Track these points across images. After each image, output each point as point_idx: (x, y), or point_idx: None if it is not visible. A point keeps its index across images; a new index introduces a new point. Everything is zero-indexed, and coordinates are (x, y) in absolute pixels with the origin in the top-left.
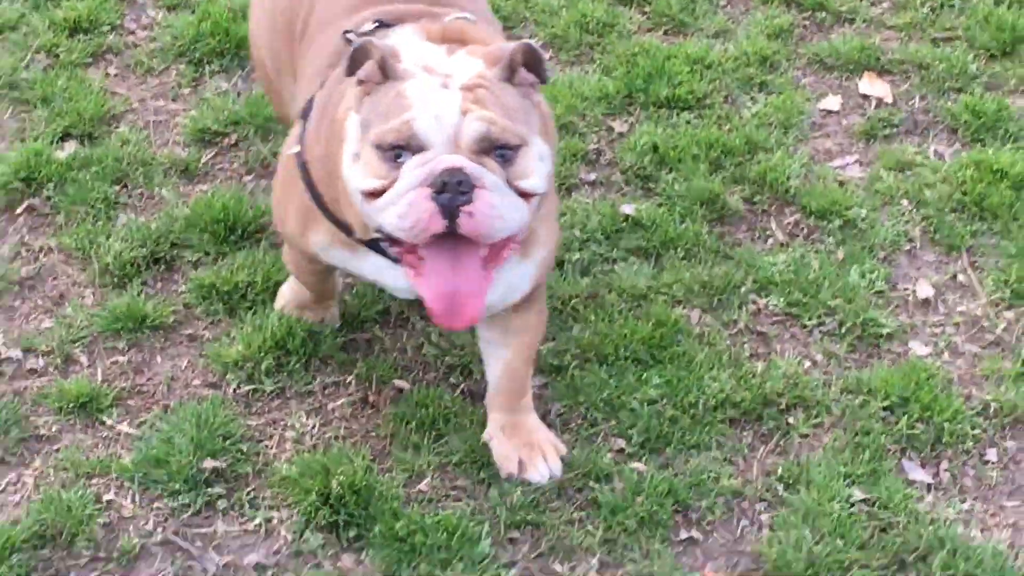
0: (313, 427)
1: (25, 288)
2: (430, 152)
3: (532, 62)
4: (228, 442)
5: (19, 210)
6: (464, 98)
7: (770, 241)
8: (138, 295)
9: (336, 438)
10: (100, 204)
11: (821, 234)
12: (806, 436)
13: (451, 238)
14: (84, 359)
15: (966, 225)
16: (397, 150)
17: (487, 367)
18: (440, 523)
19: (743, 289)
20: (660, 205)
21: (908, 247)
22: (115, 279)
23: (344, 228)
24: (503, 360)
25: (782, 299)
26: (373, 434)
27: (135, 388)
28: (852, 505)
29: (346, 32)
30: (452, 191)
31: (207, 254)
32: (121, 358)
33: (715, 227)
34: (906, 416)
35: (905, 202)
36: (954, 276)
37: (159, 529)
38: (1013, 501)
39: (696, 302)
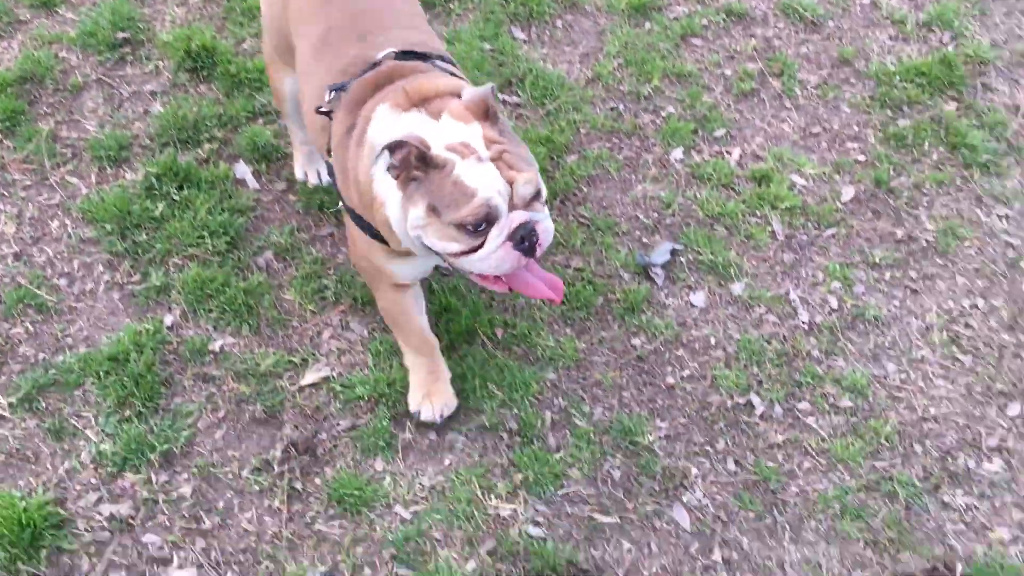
0: (181, 13)
1: None
2: (503, 219)
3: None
4: (130, 22)
5: None
6: (499, 168)
7: None
8: None
9: (193, 20)
10: None
11: None
12: (459, 14)
13: None
14: None
15: None
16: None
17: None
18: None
19: None
20: None
21: None
22: None
23: (384, 242)
24: None
25: None
26: (219, 17)
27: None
28: (484, 52)
29: (317, 109)
30: (527, 238)
31: None
32: None
33: None
34: (512, 3)
35: None
36: None
37: (93, 73)
38: (569, 48)
39: None
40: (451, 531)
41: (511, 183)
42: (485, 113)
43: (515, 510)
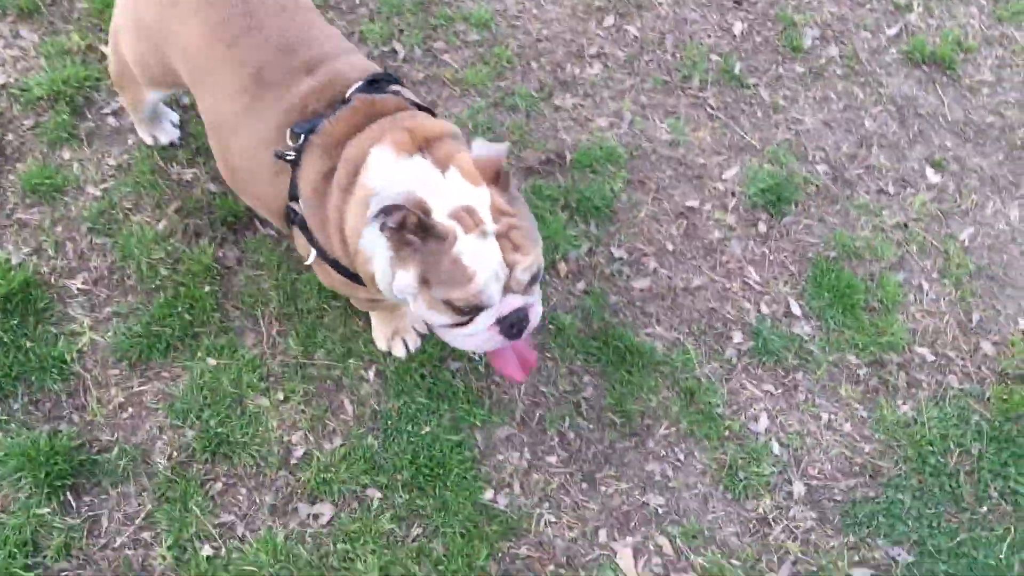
0: None
1: None
2: (496, 307)
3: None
4: None
5: None
6: (504, 247)
7: None
8: None
9: None
10: None
11: None
12: None
13: None
14: None
15: None
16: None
17: None
18: None
19: None
20: None
21: None
22: None
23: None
24: None
25: None
26: None
27: None
28: None
29: (276, 154)
30: (516, 324)
31: None
32: None
33: None
34: None
35: None
36: None
37: None
38: None
39: None
40: (140, 200)
41: (511, 267)
42: (496, 176)
43: (195, 173)
